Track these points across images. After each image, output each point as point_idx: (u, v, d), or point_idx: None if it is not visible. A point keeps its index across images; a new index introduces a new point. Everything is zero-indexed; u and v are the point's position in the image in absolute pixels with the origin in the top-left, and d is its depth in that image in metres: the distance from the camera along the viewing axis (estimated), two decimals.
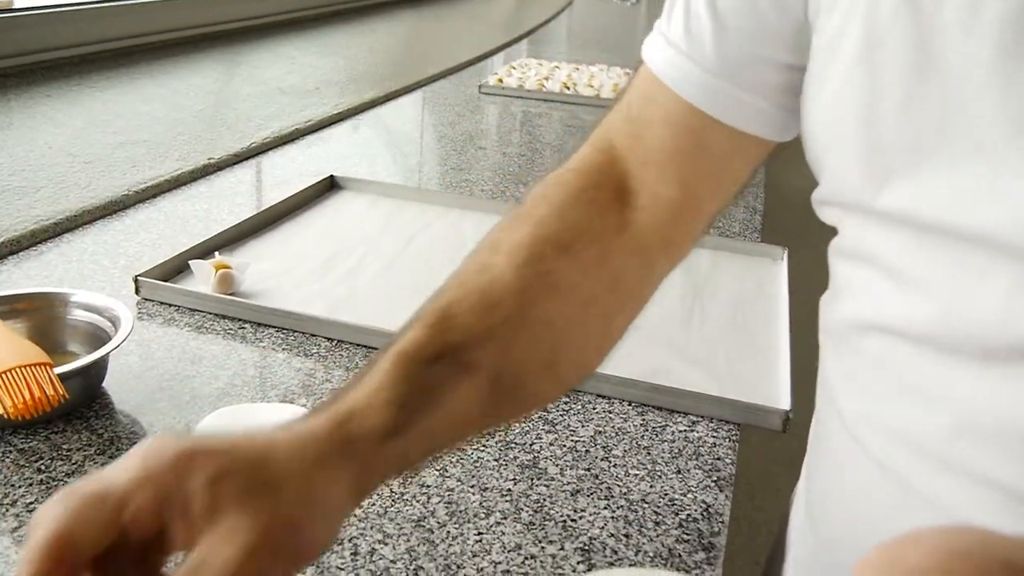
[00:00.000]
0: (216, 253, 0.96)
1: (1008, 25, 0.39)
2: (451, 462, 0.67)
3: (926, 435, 0.48)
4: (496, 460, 0.68)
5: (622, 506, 0.64)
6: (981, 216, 0.42)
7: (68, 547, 0.35)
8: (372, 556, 0.57)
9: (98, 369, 0.72)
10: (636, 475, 0.67)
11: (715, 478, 0.67)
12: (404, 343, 0.48)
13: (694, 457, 0.70)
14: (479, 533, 0.60)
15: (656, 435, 0.72)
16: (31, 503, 0.60)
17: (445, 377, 0.47)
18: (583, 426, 0.73)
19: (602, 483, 0.66)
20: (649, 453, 0.70)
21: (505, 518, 0.62)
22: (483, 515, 0.62)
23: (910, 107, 0.43)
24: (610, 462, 0.68)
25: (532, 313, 0.51)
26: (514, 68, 2.19)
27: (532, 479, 0.66)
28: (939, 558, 0.28)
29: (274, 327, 0.85)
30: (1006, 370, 0.43)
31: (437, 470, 0.66)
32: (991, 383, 0.44)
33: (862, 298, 0.51)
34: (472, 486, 0.65)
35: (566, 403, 0.76)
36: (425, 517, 0.61)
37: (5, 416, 0.64)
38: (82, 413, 0.70)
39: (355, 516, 0.61)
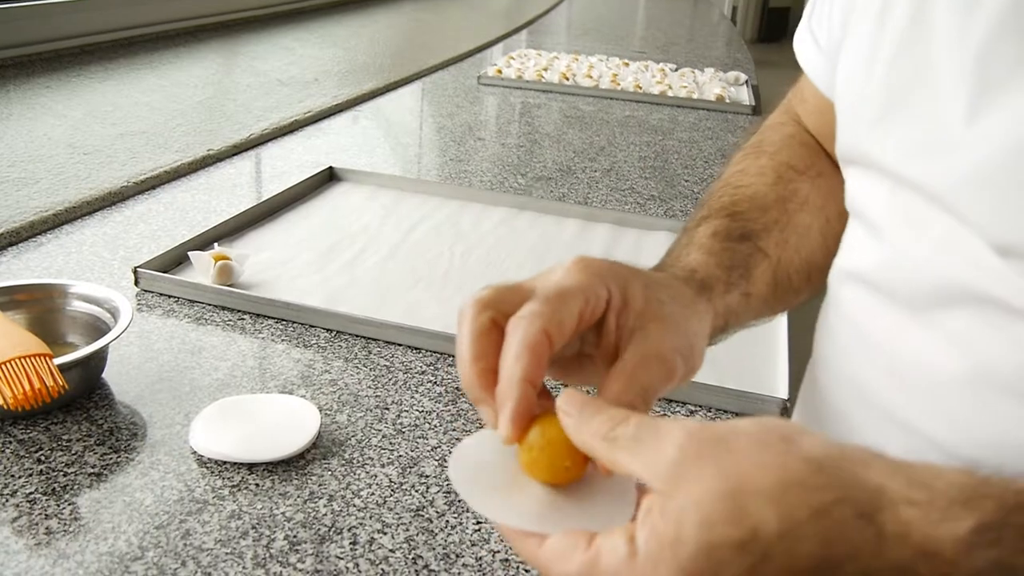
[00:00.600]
0: (215, 244, 0.96)
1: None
2: (450, 451, 0.67)
3: (870, 384, 0.50)
4: None
5: None
6: (924, 167, 0.44)
7: (546, 346, 0.39)
8: (371, 545, 0.57)
9: (98, 360, 0.72)
10: None
11: None
12: (712, 227, 0.56)
13: None
14: (478, 522, 0.60)
15: None
16: (31, 493, 0.60)
17: (750, 255, 0.55)
18: None
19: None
20: None
21: None
22: None
23: (895, 62, 0.46)
24: None
25: (794, 220, 0.58)
26: (513, 59, 2.19)
27: None
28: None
29: (273, 318, 0.86)
30: (930, 317, 0.45)
31: (436, 460, 0.66)
32: (919, 331, 0.46)
33: (845, 249, 0.55)
34: None
35: None
36: (424, 507, 0.61)
37: (5, 407, 0.64)
38: (82, 404, 0.70)
39: (354, 505, 0.61)
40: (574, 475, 0.39)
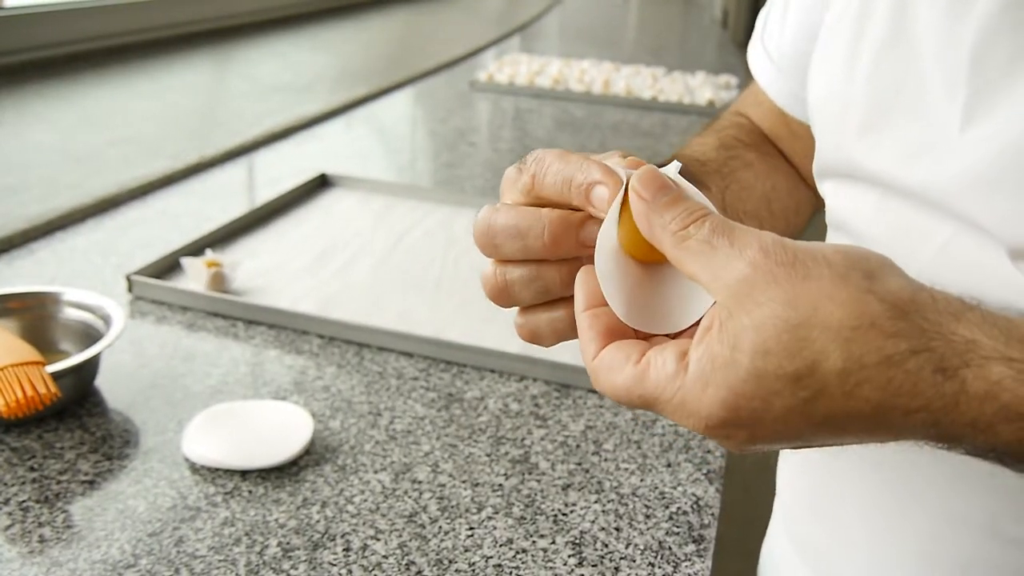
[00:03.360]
0: (208, 251, 0.96)
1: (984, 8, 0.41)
2: (442, 457, 0.67)
3: None
4: (487, 455, 0.68)
5: (613, 500, 0.64)
6: (921, 173, 0.44)
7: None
8: (364, 551, 0.58)
9: (90, 367, 0.72)
10: (627, 469, 0.68)
11: (705, 471, 0.68)
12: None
13: (684, 451, 0.70)
14: (471, 528, 0.60)
15: (646, 429, 0.73)
16: (23, 501, 0.60)
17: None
18: (573, 421, 0.73)
19: (593, 477, 0.66)
20: (639, 447, 0.70)
21: (497, 513, 0.62)
22: (475, 510, 0.62)
23: (878, 68, 0.47)
24: (601, 456, 0.69)
25: (736, 174, 0.58)
26: (505, 64, 2.19)
27: (523, 474, 0.66)
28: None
29: (266, 324, 0.86)
30: None
31: (429, 466, 0.66)
32: None
33: None
34: (464, 481, 0.65)
35: (556, 398, 0.76)
36: (417, 512, 0.61)
37: None
38: (75, 411, 0.70)
39: (347, 512, 0.61)
40: (659, 257, 0.36)
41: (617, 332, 0.36)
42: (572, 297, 0.38)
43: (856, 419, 0.31)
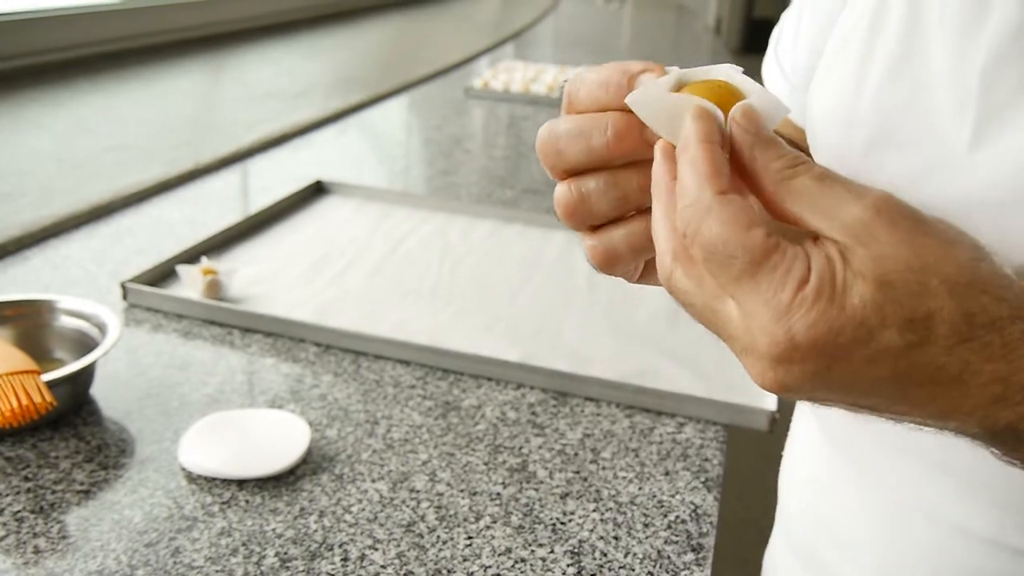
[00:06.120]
0: (203, 258, 0.96)
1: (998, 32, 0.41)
2: (440, 466, 0.67)
3: (886, 420, 0.50)
4: (485, 464, 0.68)
5: (611, 508, 0.64)
6: (928, 191, 0.44)
7: None
8: (362, 562, 0.57)
9: (85, 376, 0.72)
10: (624, 477, 0.67)
11: (703, 479, 0.68)
12: None
13: (682, 459, 0.70)
14: (469, 537, 0.60)
15: (644, 437, 0.72)
16: (18, 511, 0.60)
17: None
18: (571, 429, 0.73)
19: (591, 486, 0.66)
20: (637, 455, 0.70)
21: (495, 522, 0.62)
22: (473, 519, 0.62)
23: (888, 86, 0.46)
24: (598, 465, 0.69)
25: None
26: (500, 71, 2.20)
27: (521, 483, 0.66)
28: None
29: (262, 332, 0.85)
30: None
31: (426, 474, 0.66)
32: None
33: None
34: (462, 490, 0.65)
35: (554, 406, 0.76)
36: (415, 522, 0.61)
37: None
38: (70, 420, 0.70)
39: (344, 521, 0.61)
40: None
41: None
42: (648, 210, 0.37)
43: (940, 380, 0.31)
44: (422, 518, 0.62)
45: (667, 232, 0.34)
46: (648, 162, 0.37)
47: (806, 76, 0.59)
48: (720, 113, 0.34)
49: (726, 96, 0.35)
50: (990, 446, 0.34)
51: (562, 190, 0.39)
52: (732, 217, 0.31)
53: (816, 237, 0.32)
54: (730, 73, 0.36)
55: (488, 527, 0.61)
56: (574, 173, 0.38)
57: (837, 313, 0.30)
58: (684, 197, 0.33)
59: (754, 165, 0.33)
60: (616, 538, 0.61)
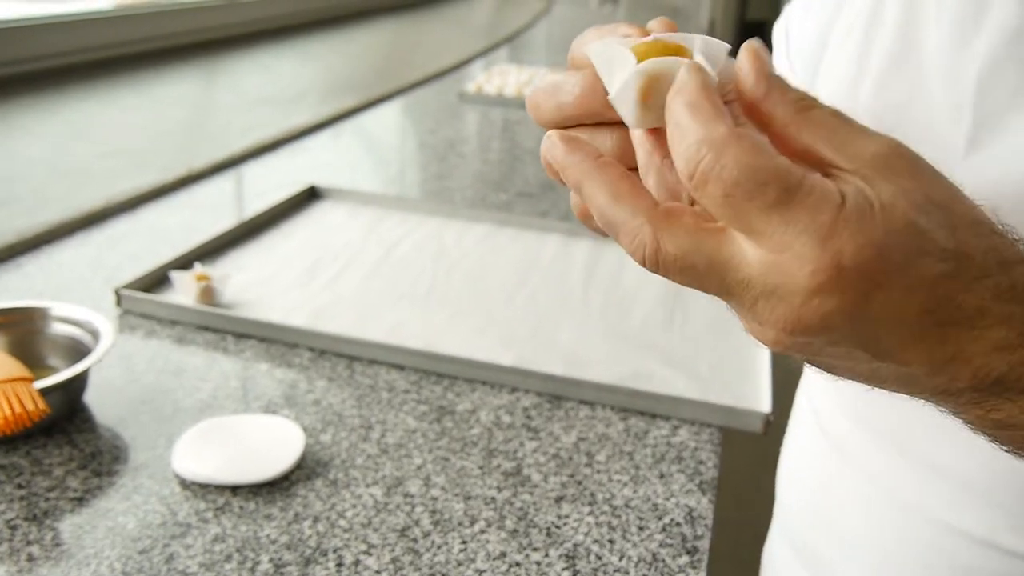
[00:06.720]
0: (197, 264, 0.96)
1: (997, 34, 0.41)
2: (434, 471, 0.67)
3: (884, 421, 0.50)
4: (480, 468, 0.68)
5: (606, 512, 0.64)
6: None
7: None
8: (357, 567, 0.57)
9: (79, 383, 0.72)
10: (619, 481, 0.67)
11: (698, 482, 0.68)
12: None
13: (676, 461, 0.70)
14: (464, 542, 0.60)
15: (638, 440, 0.73)
16: (12, 519, 0.60)
17: None
18: (566, 433, 0.73)
19: (585, 489, 0.66)
20: (632, 458, 0.70)
21: (489, 526, 0.62)
22: (467, 523, 0.62)
23: (884, 86, 0.46)
24: (593, 468, 0.69)
25: None
26: (494, 75, 2.20)
27: (516, 487, 0.66)
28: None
29: (256, 338, 0.85)
30: None
31: (421, 479, 0.66)
32: None
33: None
34: (456, 494, 0.65)
35: (548, 410, 0.76)
36: (409, 527, 0.61)
37: None
38: (63, 427, 0.70)
39: (339, 526, 0.61)
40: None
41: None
42: (633, 170, 0.35)
43: (957, 320, 0.30)
44: (416, 523, 0.62)
45: (631, 208, 0.33)
46: (621, 124, 0.36)
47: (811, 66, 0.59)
48: (710, 69, 0.33)
49: (673, 51, 0.35)
50: (967, 409, 0.33)
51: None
52: (754, 147, 0.29)
53: (828, 174, 0.31)
54: (686, 36, 0.36)
55: (483, 531, 0.61)
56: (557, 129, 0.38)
57: (883, 235, 0.29)
58: (687, 137, 0.31)
59: (769, 96, 0.31)
60: (611, 541, 0.61)
